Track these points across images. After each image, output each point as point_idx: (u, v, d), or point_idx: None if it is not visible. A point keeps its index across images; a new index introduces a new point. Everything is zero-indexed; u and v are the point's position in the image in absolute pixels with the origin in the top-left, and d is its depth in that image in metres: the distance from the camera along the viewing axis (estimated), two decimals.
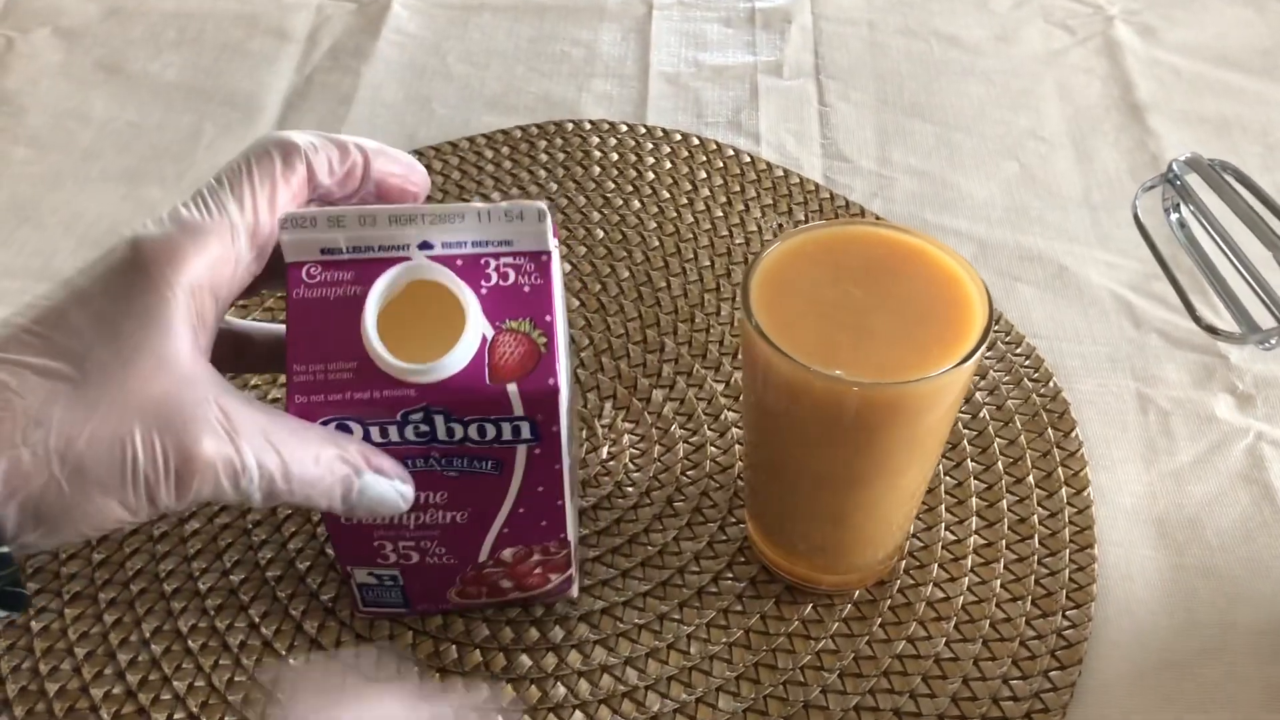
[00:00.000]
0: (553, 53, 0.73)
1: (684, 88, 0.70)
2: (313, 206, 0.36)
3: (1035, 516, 0.48)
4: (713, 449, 0.51)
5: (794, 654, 0.44)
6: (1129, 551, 0.48)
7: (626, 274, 0.58)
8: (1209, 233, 0.54)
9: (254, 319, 0.56)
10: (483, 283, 0.36)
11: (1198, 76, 0.70)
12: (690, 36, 0.74)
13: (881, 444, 0.39)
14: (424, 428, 0.36)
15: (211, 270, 0.33)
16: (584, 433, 0.52)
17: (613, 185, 0.63)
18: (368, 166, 0.37)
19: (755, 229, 0.61)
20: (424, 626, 0.45)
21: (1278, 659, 0.44)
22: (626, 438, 0.51)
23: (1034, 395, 0.53)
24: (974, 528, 0.48)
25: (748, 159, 0.64)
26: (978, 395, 0.53)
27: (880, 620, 0.45)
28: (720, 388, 0.53)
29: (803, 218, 0.61)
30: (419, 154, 0.65)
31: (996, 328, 0.55)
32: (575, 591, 0.45)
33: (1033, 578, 0.46)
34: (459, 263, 0.36)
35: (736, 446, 0.51)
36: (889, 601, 0.46)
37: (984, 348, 0.37)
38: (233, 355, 0.39)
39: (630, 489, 0.50)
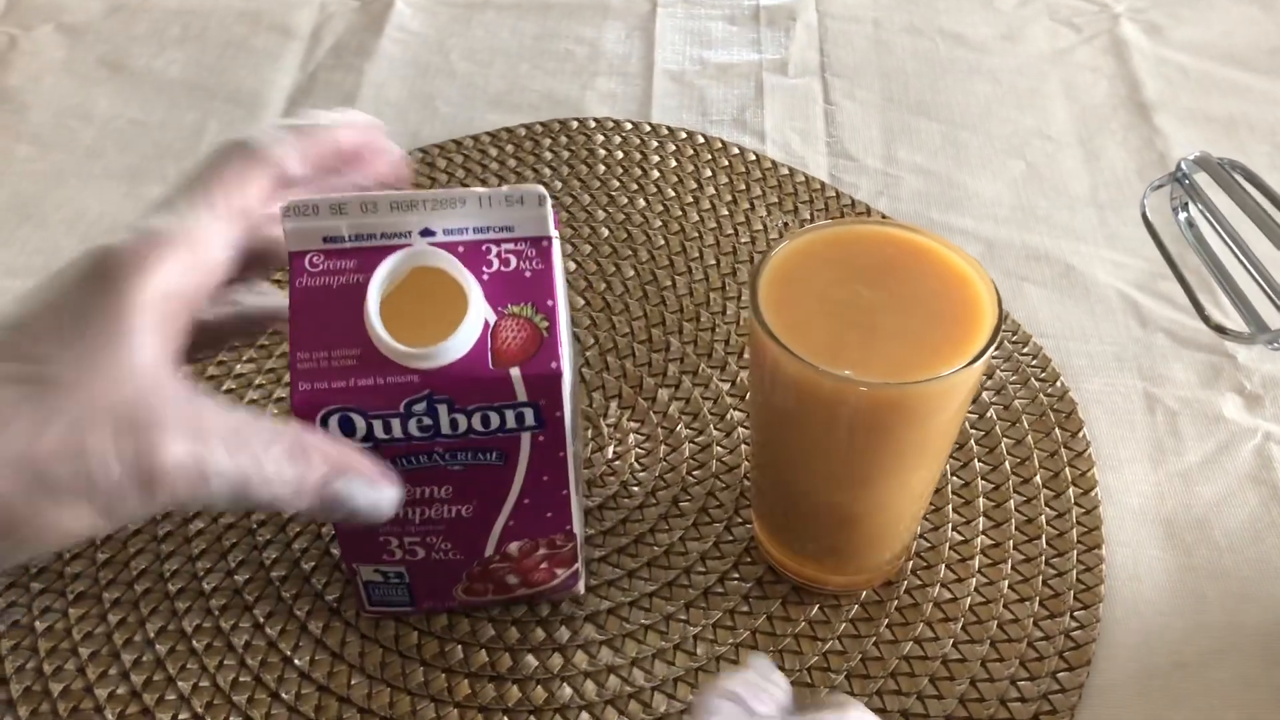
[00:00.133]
0: (557, 50, 0.73)
1: (689, 86, 0.70)
2: (305, 195, 0.36)
3: (1043, 517, 0.48)
4: (719, 449, 0.51)
5: (801, 655, 0.44)
6: (1137, 552, 0.48)
7: (631, 273, 0.58)
8: (1218, 232, 0.54)
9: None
10: (484, 268, 0.36)
11: (1205, 75, 0.70)
12: (695, 34, 0.74)
13: (890, 444, 0.39)
14: (427, 420, 0.36)
15: (179, 277, 0.32)
16: (589, 432, 0.51)
17: (617, 184, 0.63)
18: (349, 146, 0.37)
19: (760, 228, 0.60)
20: (429, 626, 0.45)
21: None
22: (632, 437, 0.51)
23: (1041, 395, 0.52)
24: (981, 528, 0.48)
25: (753, 157, 0.64)
26: (985, 395, 0.52)
27: (887, 621, 0.45)
28: (726, 387, 0.53)
29: (808, 216, 0.61)
30: (423, 153, 0.65)
31: (1003, 327, 0.55)
32: (582, 588, 0.45)
33: (1040, 578, 0.46)
34: (461, 248, 0.36)
35: (743, 446, 0.51)
36: (896, 602, 0.45)
37: (994, 348, 0.36)
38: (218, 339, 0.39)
39: (636, 489, 0.49)
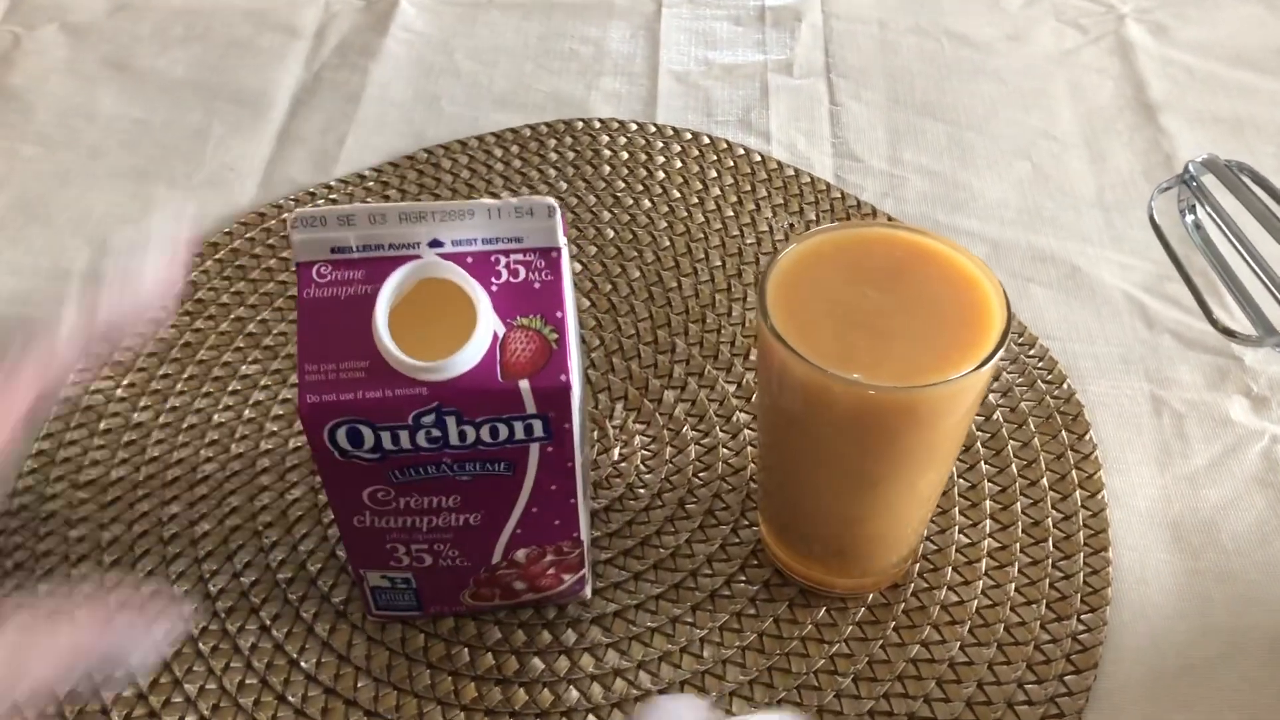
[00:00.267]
0: (561, 50, 0.72)
1: (694, 86, 0.70)
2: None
3: (1049, 519, 0.48)
4: (725, 450, 0.51)
5: (808, 658, 0.44)
6: (1144, 555, 0.48)
7: (637, 274, 0.58)
8: (1225, 234, 0.54)
9: (263, 319, 0.56)
10: (493, 280, 0.36)
11: (1211, 76, 0.70)
12: (700, 34, 0.74)
13: (898, 447, 0.39)
14: (435, 432, 0.36)
15: None
16: (595, 434, 0.51)
17: (623, 184, 0.63)
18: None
19: (766, 229, 0.60)
20: (436, 629, 0.45)
21: None
22: (638, 439, 0.51)
23: (1048, 397, 0.52)
24: (988, 530, 0.48)
25: (758, 158, 0.64)
26: (991, 397, 0.52)
27: (894, 624, 0.45)
28: (732, 389, 0.53)
29: (814, 217, 0.61)
30: (428, 153, 0.65)
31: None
32: (588, 592, 0.45)
33: (1047, 581, 0.46)
34: (469, 260, 0.36)
35: (749, 448, 0.51)
36: (903, 605, 0.45)
37: (1002, 351, 0.36)
38: None
39: (642, 491, 0.49)
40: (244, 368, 0.54)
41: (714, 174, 0.63)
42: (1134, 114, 0.68)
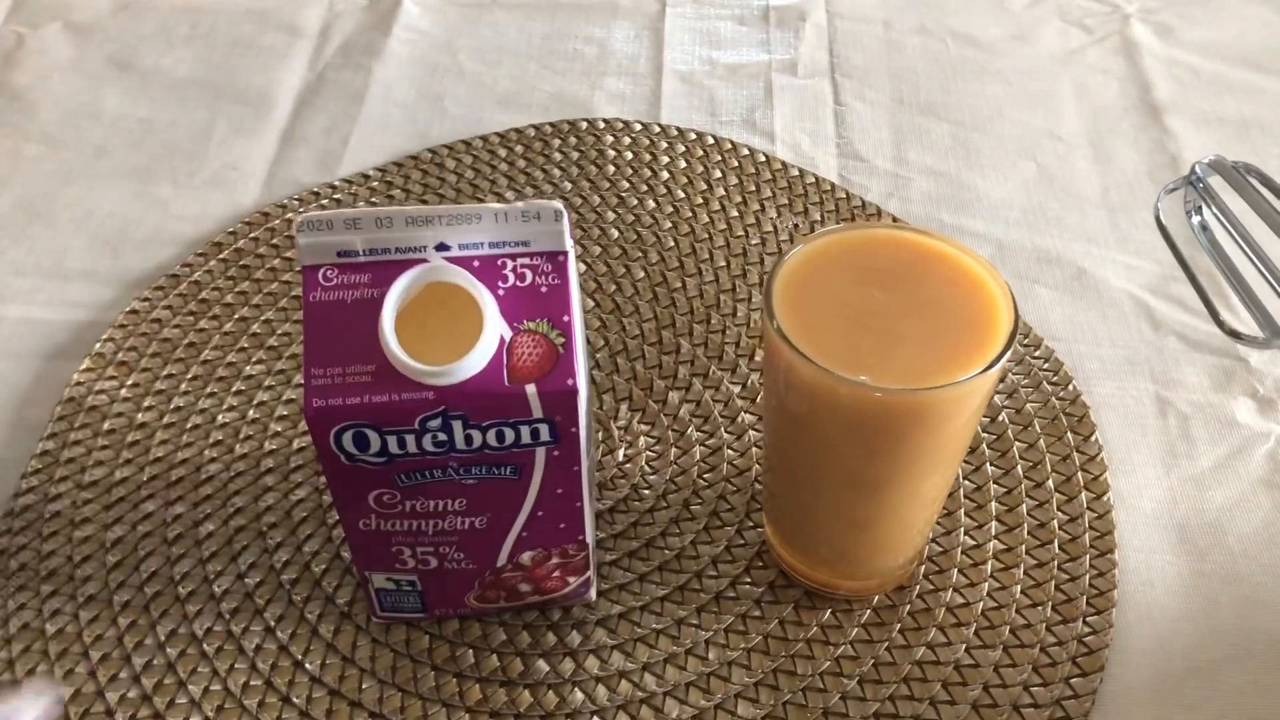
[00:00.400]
0: (565, 50, 0.72)
1: (698, 86, 0.70)
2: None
3: (1055, 521, 0.48)
4: (730, 451, 0.51)
5: (813, 660, 0.44)
6: (1150, 557, 0.47)
7: (641, 274, 0.58)
8: (1231, 236, 0.54)
9: (267, 319, 0.56)
10: (500, 283, 0.36)
11: (1217, 76, 0.70)
12: (704, 34, 0.73)
13: (905, 449, 0.39)
14: (442, 436, 0.36)
15: None
16: (600, 435, 0.51)
17: (627, 185, 0.63)
18: None
19: (771, 229, 0.60)
20: (440, 631, 0.45)
21: None
22: (643, 440, 0.51)
23: (1053, 399, 0.52)
24: (993, 532, 0.48)
25: (763, 158, 0.64)
26: (997, 398, 0.52)
27: (900, 626, 0.45)
28: (737, 389, 0.53)
29: (818, 218, 0.61)
30: (432, 153, 0.65)
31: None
32: (593, 594, 0.45)
33: (1053, 583, 0.46)
34: (476, 264, 0.36)
35: (754, 450, 0.51)
36: (908, 607, 0.45)
37: (1009, 353, 0.36)
38: None
39: (647, 492, 0.49)
40: (248, 368, 0.54)
41: (718, 174, 0.63)
42: (1139, 114, 0.67)
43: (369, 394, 0.35)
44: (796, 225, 0.60)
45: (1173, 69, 0.70)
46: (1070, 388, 0.53)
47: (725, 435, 0.51)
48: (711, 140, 0.65)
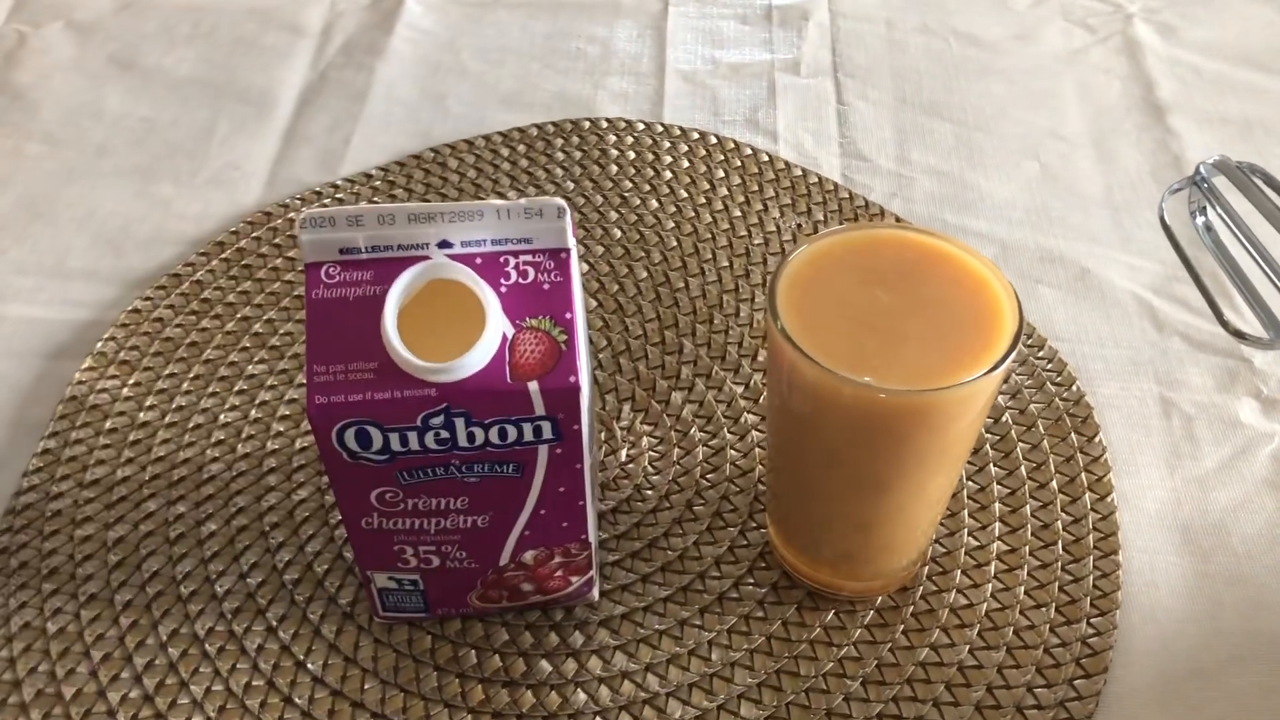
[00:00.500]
0: (568, 50, 0.72)
1: (701, 85, 0.70)
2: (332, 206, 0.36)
3: (1059, 522, 0.48)
4: (732, 452, 0.50)
5: (816, 661, 0.44)
6: (1154, 558, 0.47)
7: (644, 274, 0.58)
8: (1236, 236, 0.54)
9: (269, 318, 0.56)
10: (502, 281, 0.36)
11: (1220, 76, 0.70)
12: (707, 34, 0.73)
13: (909, 451, 0.39)
14: (444, 434, 0.35)
15: None
16: (602, 435, 0.51)
17: (630, 184, 0.63)
18: None
19: (774, 229, 0.60)
20: (443, 631, 0.44)
21: None
22: (645, 440, 0.51)
23: (1057, 399, 0.52)
24: (997, 533, 0.48)
25: (765, 158, 0.64)
26: (1000, 399, 0.52)
27: (903, 627, 0.45)
28: (740, 390, 0.53)
29: (821, 218, 0.61)
30: (435, 152, 0.64)
31: None
32: (596, 594, 0.45)
33: (1057, 584, 0.46)
34: (478, 261, 0.36)
35: (757, 450, 0.50)
36: (912, 608, 0.45)
37: (1014, 354, 0.36)
38: None
39: (649, 492, 0.49)
40: (250, 367, 0.53)
41: (721, 174, 0.63)
42: (1142, 114, 0.67)
43: (371, 391, 0.35)
44: (799, 225, 0.60)
45: (1175, 69, 0.70)
46: (1074, 388, 0.53)
47: (728, 436, 0.51)
48: (714, 140, 0.65)
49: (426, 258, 0.36)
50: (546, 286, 0.36)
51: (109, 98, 0.69)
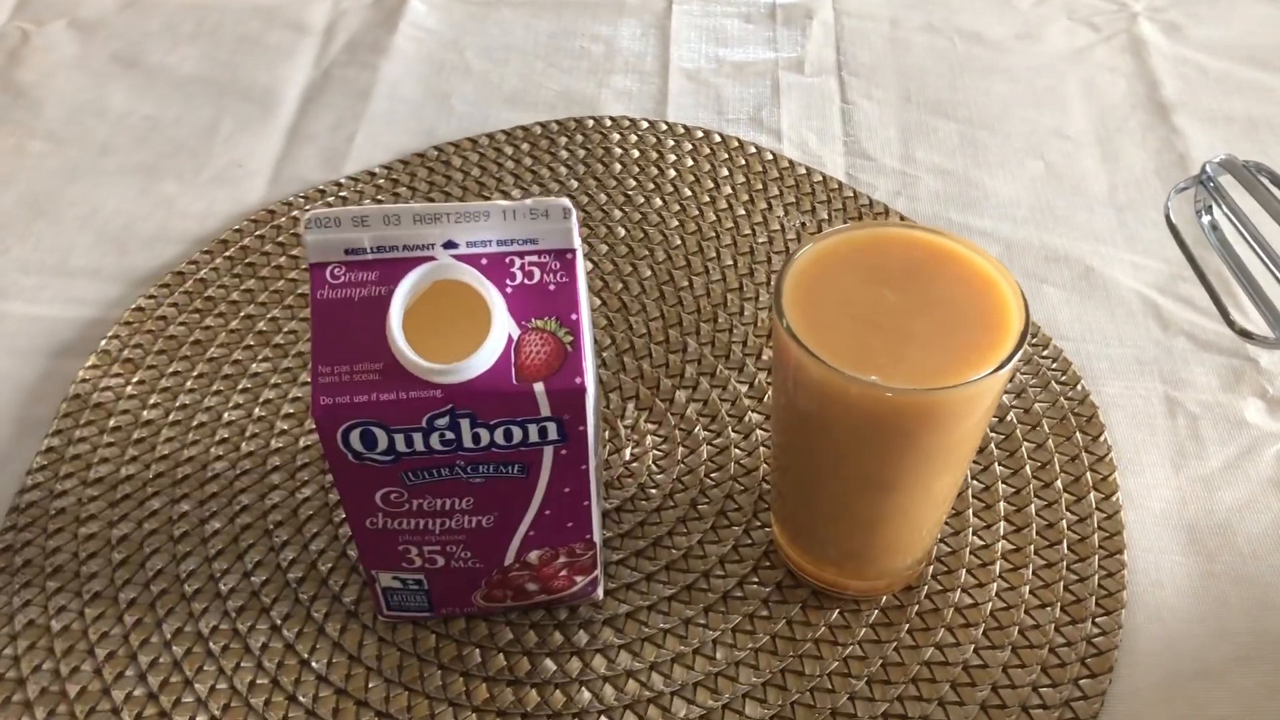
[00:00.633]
0: (572, 48, 0.72)
1: (704, 84, 0.69)
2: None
3: (1064, 522, 0.48)
4: (737, 451, 0.50)
5: (821, 660, 0.44)
6: (1159, 558, 0.47)
7: (648, 273, 0.58)
8: (1242, 235, 0.54)
9: (273, 316, 0.56)
10: (508, 281, 0.36)
11: (1225, 75, 0.69)
12: (711, 32, 0.73)
13: (915, 450, 0.39)
14: (449, 435, 0.35)
15: None
16: (607, 434, 0.51)
17: (634, 183, 0.62)
18: None
19: (778, 228, 0.60)
20: (447, 630, 0.44)
21: None
22: (649, 439, 0.51)
23: (1061, 399, 0.52)
24: (1002, 533, 0.47)
25: (769, 156, 0.64)
26: (1005, 398, 0.52)
27: (908, 626, 0.45)
28: (744, 389, 0.53)
29: (825, 216, 0.61)
30: (439, 151, 0.64)
31: None
32: (600, 594, 0.45)
33: (1062, 584, 0.46)
34: (484, 261, 0.36)
35: (762, 449, 0.50)
36: (917, 608, 0.45)
37: (1020, 353, 0.36)
38: None
39: (654, 491, 0.49)
40: (254, 365, 0.53)
41: (725, 172, 0.63)
42: (1147, 113, 0.67)
43: (376, 392, 0.35)
44: (803, 224, 0.60)
45: (1180, 67, 0.70)
46: (1079, 387, 0.52)
47: (732, 435, 0.51)
48: (718, 138, 0.65)
49: (432, 258, 0.36)
50: (552, 287, 0.36)
51: (112, 96, 0.69)
